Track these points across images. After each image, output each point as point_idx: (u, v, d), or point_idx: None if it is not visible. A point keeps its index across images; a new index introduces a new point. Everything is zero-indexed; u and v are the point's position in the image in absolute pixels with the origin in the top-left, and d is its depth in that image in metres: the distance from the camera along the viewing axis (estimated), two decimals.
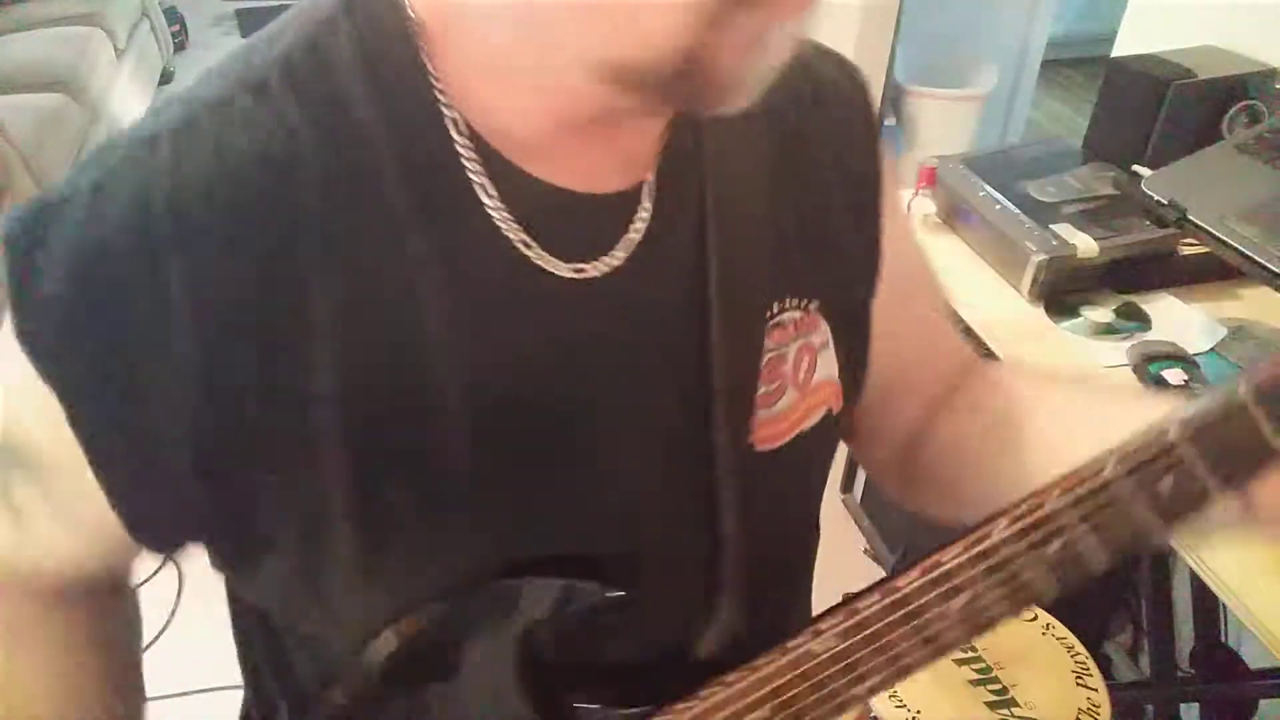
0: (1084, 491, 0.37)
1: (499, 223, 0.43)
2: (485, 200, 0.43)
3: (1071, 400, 0.57)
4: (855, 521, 2.24)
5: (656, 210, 0.47)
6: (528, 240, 0.44)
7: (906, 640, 0.41)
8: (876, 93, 2.86)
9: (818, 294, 0.52)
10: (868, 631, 0.41)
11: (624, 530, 0.48)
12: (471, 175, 0.43)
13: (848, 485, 2.27)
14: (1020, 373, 0.62)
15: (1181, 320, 1.29)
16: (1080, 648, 1.29)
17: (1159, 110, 1.38)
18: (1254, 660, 1.54)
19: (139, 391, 0.40)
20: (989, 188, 1.45)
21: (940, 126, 3.04)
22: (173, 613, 1.90)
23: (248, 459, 0.42)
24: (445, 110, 0.42)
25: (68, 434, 0.41)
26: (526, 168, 0.44)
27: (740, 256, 0.48)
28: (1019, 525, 0.38)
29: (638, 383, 0.47)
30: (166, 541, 0.48)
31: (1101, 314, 1.29)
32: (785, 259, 0.51)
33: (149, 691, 0.66)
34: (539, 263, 0.44)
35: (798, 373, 0.52)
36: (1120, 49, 1.67)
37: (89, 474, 0.43)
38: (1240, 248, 1.17)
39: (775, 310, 0.50)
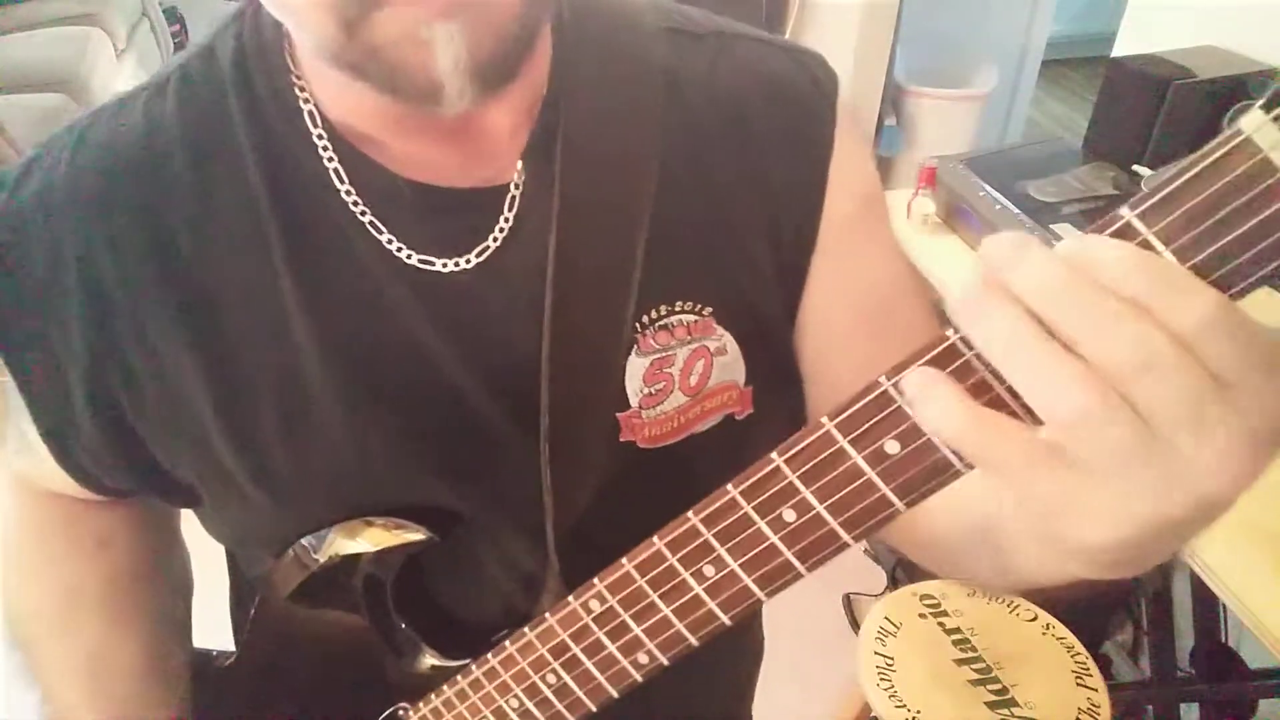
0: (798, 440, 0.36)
1: (351, 208, 0.48)
2: (338, 185, 0.48)
3: None
4: None
5: (519, 211, 0.49)
6: (379, 226, 0.48)
7: (660, 607, 0.42)
8: (876, 93, 2.86)
9: (715, 301, 0.53)
10: (626, 593, 0.43)
11: (463, 496, 0.53)
12: (325, 162, 0.47)
13: None
14: None
15: None
16: (1080, 648, 1.29)
17: (1159, 110, 1.38)
18: (1254, 660, 1.54)
19: (46, 337, 0.48)
20: (989, 188, 1.45)
21: (940, 126, 3.04)
22: None
23: (134, 406, 0.49)
24: (302, 102, 0.48)
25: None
26: (376, 158, 0.48)
27: (594, 263, 0.49)
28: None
29: (476, 378, 0.50)
30: (96, 482, 0.56)
31: None
32: (675, 264, 0.51)
33: None
34: (403, 257, 0.48)
35: (688, 376, 0.53)
36: (1120, 49, 1.67)
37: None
38: None
39: (662, 313, 0.52)
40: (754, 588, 0.39)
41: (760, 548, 0.38)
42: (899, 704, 1.25)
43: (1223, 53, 1.46)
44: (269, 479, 0.51)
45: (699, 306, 0.52)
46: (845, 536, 0.36)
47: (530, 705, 0.50)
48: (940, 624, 1.36)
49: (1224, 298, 0.27)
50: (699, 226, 0.52)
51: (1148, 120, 1.39)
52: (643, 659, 0.45)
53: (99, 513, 0.63)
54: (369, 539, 0.51)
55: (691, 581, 0.41)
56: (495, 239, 0.50)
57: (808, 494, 0.35)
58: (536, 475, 0.51)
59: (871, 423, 0.33)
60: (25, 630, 0.63)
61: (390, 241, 0.48)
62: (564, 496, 0.52)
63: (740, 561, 0.39)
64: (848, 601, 2.07)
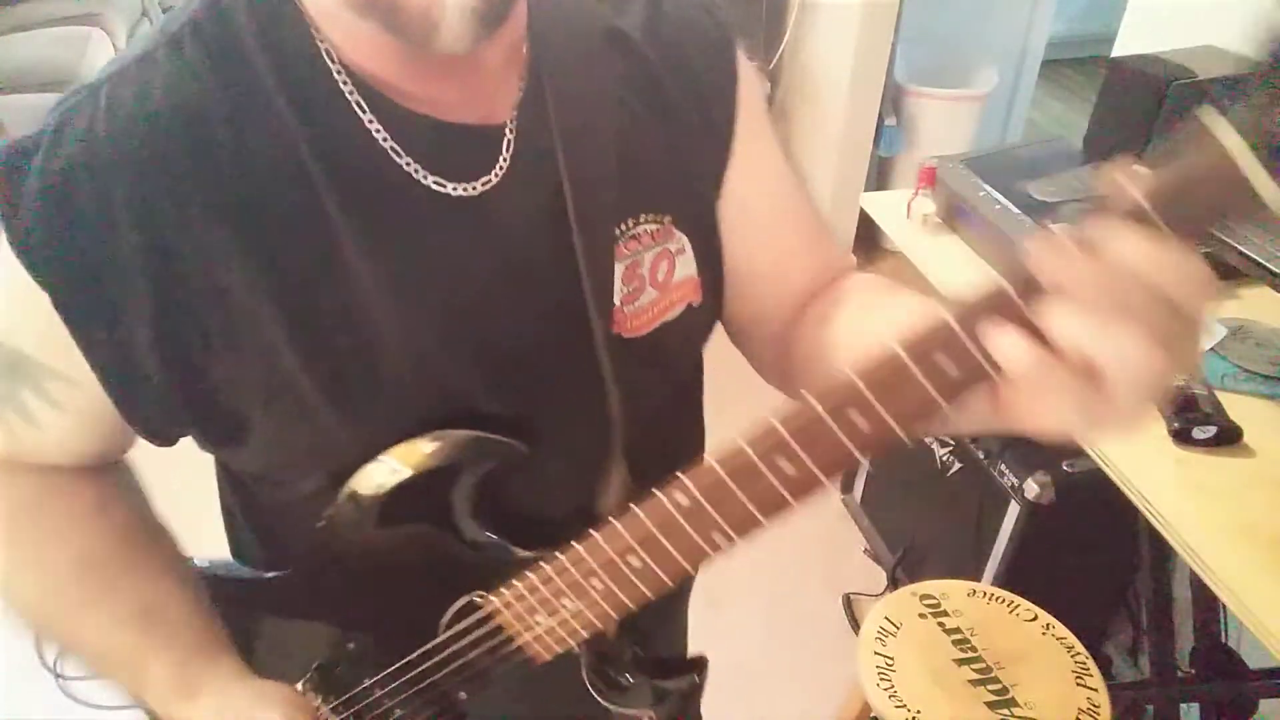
0: (873, 366, 0.42)
1: (382, 144, 0.53)
2: (362, 116, 0.52)
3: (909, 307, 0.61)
4: (855, 521, 2.24)
5: (518, 143, 0.57)
6: (399, 152, 0.53)
7: (743, 500, 0.48)
8: (876, 92, 2.86)
9: (672, 209, 0.62)
10: (715, 494, 0.49)
11: (525, 401, 0.59)
12: (349, 96, 0.52)
13: (848, 485, 2.27)
14: (884, 281, 0.67)
15: None
16: (1080, 648, 1.29)
17: (1159, 110, 1.38)
18: (1254, 660, 1.54)
19: (105, 288, 0.51)
20: (989, 188, 1.45)
21: (940, 126, 3.04)
22: None
23: (200, 341, 0.52)
24: (320, 45, 0.52)
25: (60, 333, 0.52)
26: (394, 98, 0.53)
27: (590, 179, 0.58)
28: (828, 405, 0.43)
29: (521, 283, 0.57)
30: (158, 429, 0.58)
31: None
32: (639, 180, 0.60)
33: None
34: (424, 181, 0.54)
35: (655, 274, 0.62)
36: (1120, 49, 1.67)
37: (83, 367, 0.53)
38: (1240, 248, 1.17)
39: (630, 225, 0.60)
40: (821, 476, 0.46)
41: (831, 443, 0.44)
42: (899, 704, 1.25)
43: (1223, 53, 1.46)
44: (341, 389, 0.55)
45: (660, 215, 0.61)
46: (901, 435, 0.43)
47: (611, 584, 0.55)
48: (940, 624, 1.36)
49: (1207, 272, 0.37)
50: (655, 147, 0.61)
51: (1148, 120, 1.39)
52: (718, 541, 0.51)
53: (91, 479, 0.64)
54: (436, 455, 0.56)
55: (772, 477, 0.46)
56: (501, 167, 0.56)
57: (878, 406, 0.42)
58: (594, 372, 0.58)
59: (936, 351, 0.41)
60: (43, 611, 0.64)
61: (409, 164, 0.54)
62: (624, 388, 0.59)
63: (813, 455, 0.45)
64: (848, 601, 2.07)
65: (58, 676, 1.88)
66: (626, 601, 0.56)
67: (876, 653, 1.30)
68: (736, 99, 0.64)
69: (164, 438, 0.59)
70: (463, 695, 0.66)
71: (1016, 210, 1.38)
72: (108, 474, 0.66)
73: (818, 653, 1.98)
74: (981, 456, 1.68)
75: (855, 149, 2.97)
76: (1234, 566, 0.93)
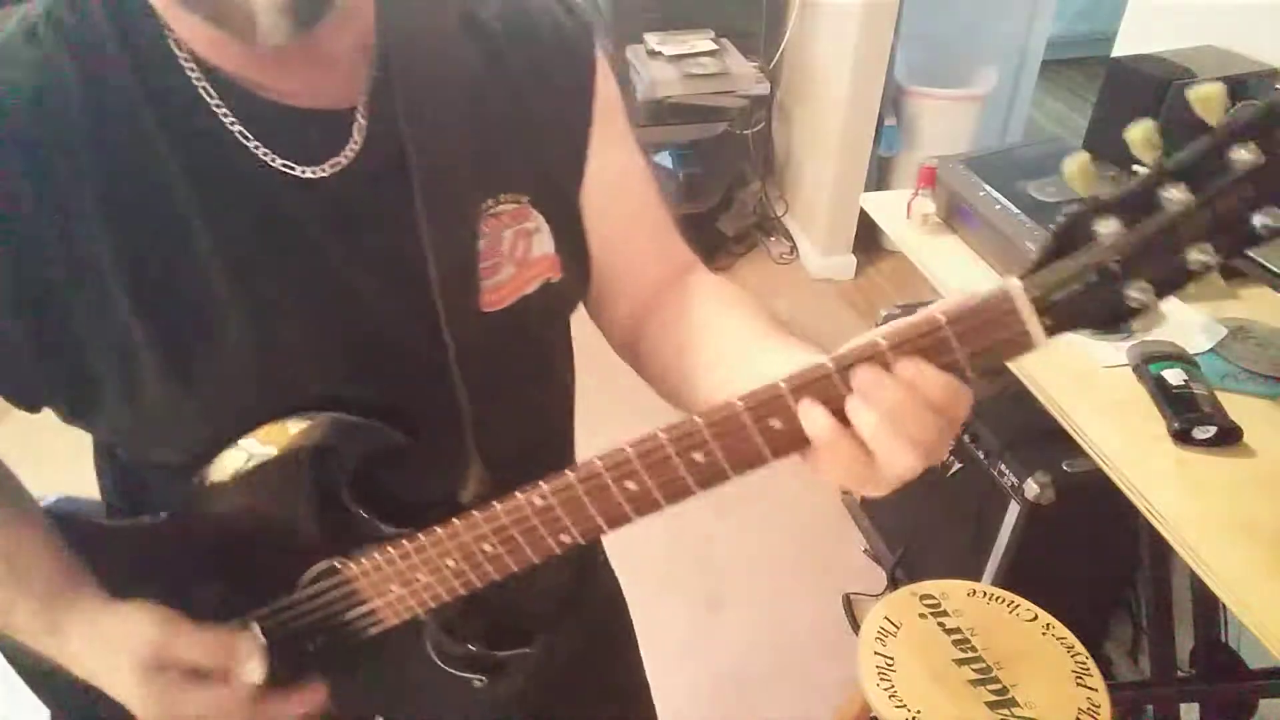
0: (717, 416, 0.50)
1: (230, 128, 0.56)
2: (210, 102, 0.55)
3: (742, 334, 0.67)
4: (855, 521, 2.24)
5: (370, 126, 0.59)
6: (248, 136, 0.56)
7: (592, 511, 0.55)
8: (876, 92, 2.86)
9: (529, 190, 0.66)
10: (568, 502, 0.55)
11: (380, 383, 0.61)
12: (195, 83, 0.55)
13: None
14: (723, 291, 0.72)
15: (1181, 320, 1.29)
16: (1080, 648, 1.29)
17: (1159, 110, 1.38)
18: (1254, 660, 1.54)
19: None
20: (989, 188, 1.45)
21: (940, 126, 3.04)
22: None
23: (56, 309, 0.55)
24: (168, 34, 0.55)
25: None
26: (244, 86, 0.56)
27: (442, 161, 0.61)
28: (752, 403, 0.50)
29: (372, 264, 0.60)
30: (18, 392, 0.60)
31: None
32: (496, 163, 0.64)
33: None
34: (274, 164, 0.57)
35: (514, 251, 0.65)
36: (1120, 49, 1.67)
37: None
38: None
39: (491, 204, 0.64)
40: (660, 499, 0.53)
41: (672, 475, 0.52)
42: (899, 704, 1.25)
43: (1223, 53, 1.46)
44: (183, 368, 0.57)
45: (519, 196, 0.65)
46: (730, 474, 0.52)
47: (465, 566, 0.62)
48: (940, 624, 1.36)
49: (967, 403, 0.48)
50: (510, 133, 0.64)
51: None
52: (565, 539, 0.58)
53: None
54: (301, 436, 0.60)
55: (616, 493, 0.54)
56: (352, 150, 0.59)
57: (716, 447, 0.51)
58: (436, 349, 0.61)
59: (770, 408, 0.49)
60: None
61: (258, 148, 0.56)
62: (468, 372, 0.62)
63: (656, 481, 0.52)
64: (848, 601, 2.07)
65: None
66: (476, 581, 0.62)
67: (876, 653, 1.29)
68: (594, 93, 0.68)
69: (27, 402, 0.61)
70: (309, 648, 0.70)
71: (1016, 210, 1.38)
72: None
73: (818, 653, 1.98)
74: (981, 456, 1.68)
75: (855, 149, 2.97)
76: (1234, 566, 0.93)
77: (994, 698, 1.23)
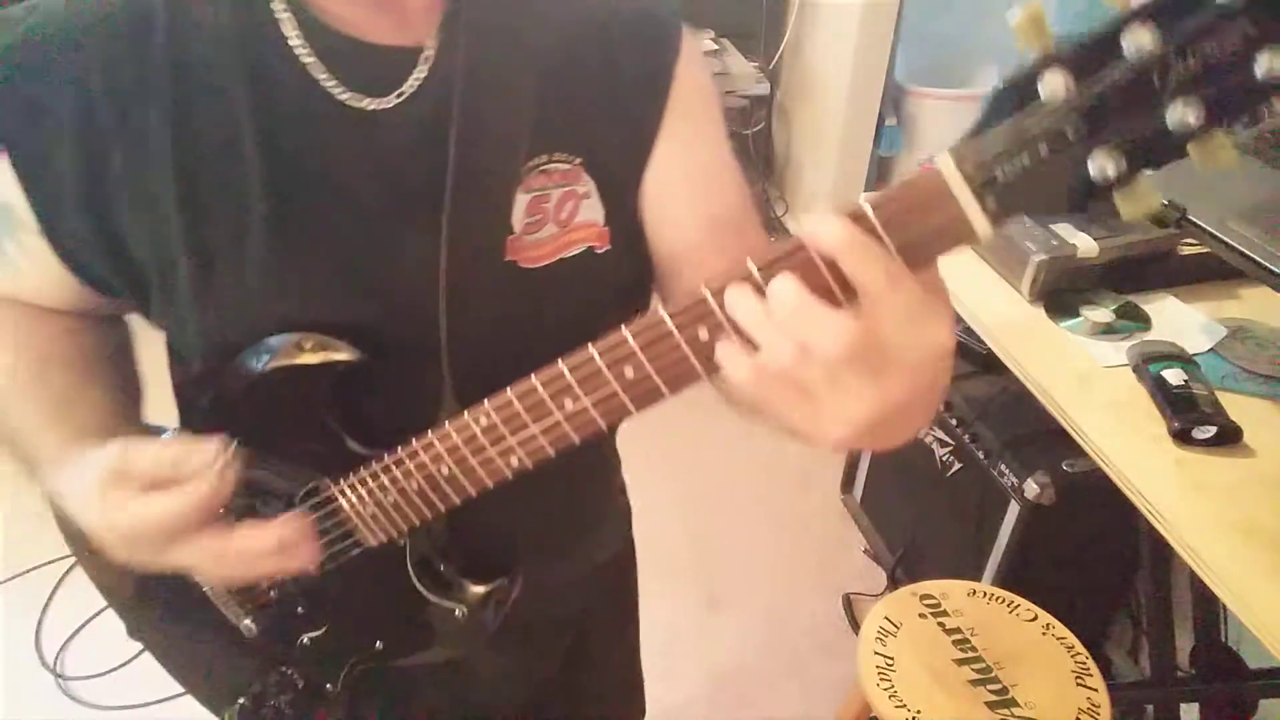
0: (642, 327, 0.49)
1: (298, 51, 0.60)
2: (291, 36, 0.60)
3: None
4: (855, 521, 2.24)
5: (432, 65, 0.62)
6: (319, 68, 0.60)
7: (534, 430, 0.56)
8: (876, 93, 2.86)
9: (583, 154, 0.66)
10: (511, 421, 0.56)
11: (372, 311, 0.64)
12: (280, 17, 0.60)
13: (848, 485, 2.27)
14: None
15: (1181, 320, 1.29)
16: (1080, 648, 1.29)
17: None
18: (1254, 660, 1.54)
19: (45, 145, 0.60)
20: None
21: (940, 126, 3.03)
22: None
23: (116, 203, 0.61)
24: None
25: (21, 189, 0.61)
26: (320, 16, 0.60)
27: (489, 113, 0.62)
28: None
29: (386, 202, 0.62)
30: (92, 276, 0.66)
31: (1101, 314, 1.29)
32: (555, 120, 0.65)
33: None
34: (338, 95, 0.61)
35: (560, 212, 0.66)
36: None
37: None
38: (1240, 248, 1.17)
39: (541, 160, 0.65)
40: (598, 419, 0.54)
41: (606, 391, 0.52)
42: (899, 704, 1.25)
43: None
44: (209, 272, 0.61)
45: (571, 157, 0.66)
46: (665, 391, 0.51)
47: (426, 488, 0.64)
48: (940, 624, 1.36)
49: (891, 280, 0.42)
50: (576, 96, 0.66)
51: None
52: (514, 462, 0.59)
53: (65, 314, 0.72)
54: (304, 356, 0.63)
55: (555, 410, 0.54)
56: (412, 86, 0.62)
57: (645, 360, 0.50)
58: (435, 292, 0.63)
59: (695, 315, 0.48)
60: None
61: (327, 79, 0.60)
62: (456, 312, 0.63)
63: (592, 399, 0.53)
64: (848, 601, 2.07)
65: (58, 676, 1.89)
66: (438, 503, 0.64)
67: (876, 653, 1.30)
68: (671, 79, 0.68)
69: (100, 286, 0.67)
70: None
71: None
72: (88, 317, 0.73)
73: (818, 653, 1.98)
74: (981, 456, 1.68)
75: (855, 149, 2.97)
76: (1234, 566, 0.93)
77: (994, 698, 1.23)
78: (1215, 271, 1.32)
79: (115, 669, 1.86)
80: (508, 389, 0.56)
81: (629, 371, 0.50)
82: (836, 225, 0.42)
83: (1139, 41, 0.34)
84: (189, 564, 0.62)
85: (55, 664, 1.91)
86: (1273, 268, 1.14)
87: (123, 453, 0.59)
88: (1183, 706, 1.59)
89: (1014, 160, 0.37)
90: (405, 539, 0.69)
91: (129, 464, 0.59)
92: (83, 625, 1.96)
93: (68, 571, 2.06)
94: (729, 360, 0.46)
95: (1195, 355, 1.19)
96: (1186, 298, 1.34)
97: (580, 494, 0.88)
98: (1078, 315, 1.30)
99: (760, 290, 0.44)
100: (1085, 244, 1.28)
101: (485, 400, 0.57)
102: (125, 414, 0.71)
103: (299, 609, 0.75)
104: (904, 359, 0.43)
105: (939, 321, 0.43)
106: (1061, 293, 1.33)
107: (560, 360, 0.53)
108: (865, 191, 2.95)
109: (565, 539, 0.87)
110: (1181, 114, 0.33)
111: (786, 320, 0.43)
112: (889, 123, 3.01)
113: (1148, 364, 1.17)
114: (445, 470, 0.62)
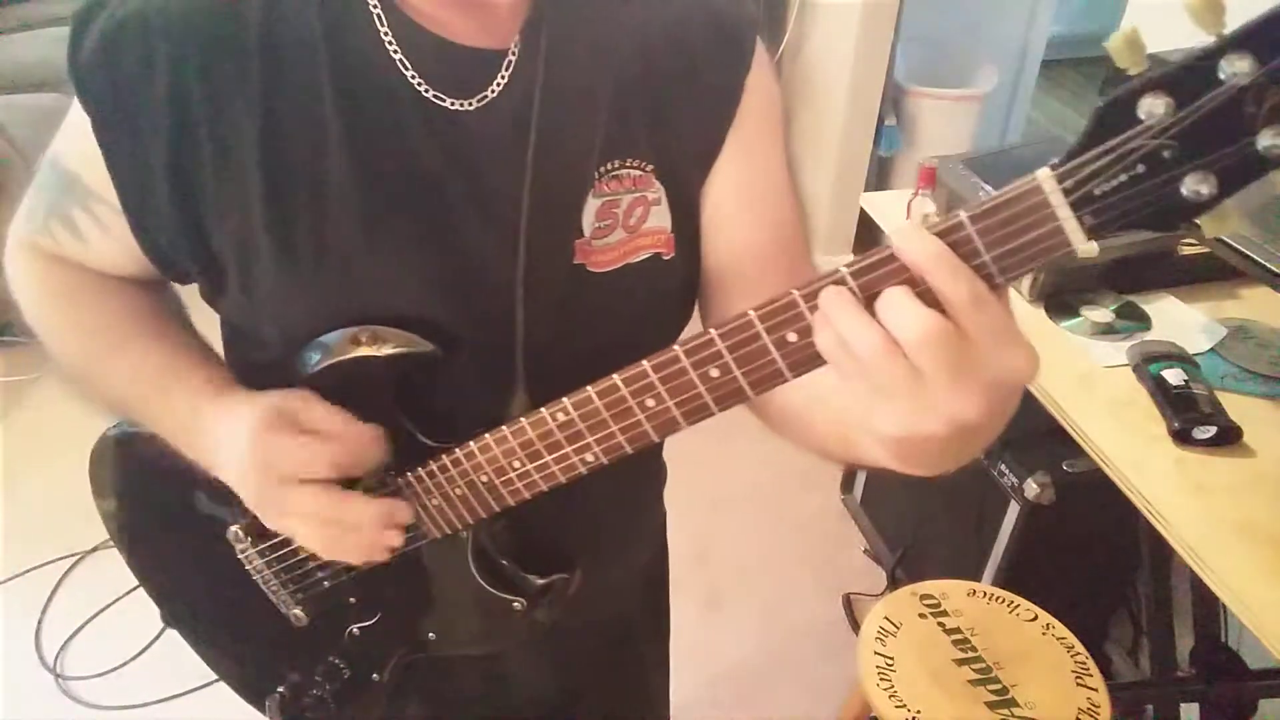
0: (730, 328, 0.50)
1: (387, 47, 0.61)
2: (379, 28, 0.60)
3: None
4: (855, 521, 2.24)
5: (515, 68, 0.63)
6: (407, 64, 0.61)
7: (615, 424, 0.57)
8: (876, 92, 2.86)
9: (654, 161, 0.67)
10: (587, 412, 0.57)
11: (449, 306, 0.64)
12: (374, 14, 0.60)
13: (848, 485, 2.27)
14: None
15: (1181, 320, 1.29)
16: (1080, 648, 1.29)
17: None
18: (1254, 660, 1.54)
19: (134, 122, 0.60)
20: (989, 188, 1.45)
21: (940, 126, 3.03)
22: None
23: (200, 185, 0.61)
24: None
25: (101, 159, 0.61)
26: (412, 15, 0.61)
27: (566, 117, 0.63)
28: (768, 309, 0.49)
29: (478, 200, 0.63)
30: (165, 257, 0.66)
31: (1101, 314, 1.29)
32: (628, 129, 0.66)
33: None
34: (425, 94, 0.61)
35: (629, 218, 0.67)
36: None
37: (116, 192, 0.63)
38: (1240, 248, 1.17)
39: (614, 165, 0.66)
40: (680, 418, 0.54)
41: (691, 392, 0.53)
42: (899, 704, 1.25)
43: None
44: (290, 259, 0.62)
45: (643, 164, 0.67)
46: (749, 392, 0.51)
47: (496, 481, 0.64)
48: (940, 624, 1.36)
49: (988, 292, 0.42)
50: (649, 103, 0.66)
51: None
52: (589, 459, 0.59)
53: (128, 282, 0.73)
54: (380, 346, 0.63)
55: (636, 409, 0.55)
56: (494, 89, 0.63)
57: (730, 359, 0.50)
58: (511, 290, 0.63)
59: (783, 318, 0.48)
60: (75, 361, 0.72)
61: (414, 78, 0.61)
62: (531, 311, 0.64)
63: (674, 399, 0.53)
64: (848, 601, 2.07)
65: (58, 677, 1.88)
66: (508, 499, 0.65)
67: (876, 653, 1.30)
68: (741, 91, 0.68)
69: (173, 269, 0.68)
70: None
71: None
72: (146, 284, 0.74)
73: (818, 653, 1.98)
74: (981, 456, 1.68)
75: (855, 149, 2.97)
76: (1234, 566, 0.93)
77: (994, 698, 1.23)
78: (1215, 271, 1.32)
79: (115, 669, 1.85)
80: (588, 387, 0.56)
81: (714, 372, 0.51)
82: (928, 240, 0.43)
83: (1236, 69, 0.36)
84: (301, 515, 0.63)
85: (55, 664, 1.90)
86: (1273, 268, 1.14)
87: (294, 399, 0.63)
88: (1183, 706, 1.59)
89: (1111, 178, 0.38)
90: (468, 532, 0.69)
91: (299, 411, 0.63)
92: (83, 625, 1.96)
93: (68, 571, 2.06)
94: (828, 349, 0.46)
95: (1195, 355, 1.19)
96: (1186, 298, 1.34)
97: (635, 497, 0.88)
98: (1078, 315, 1.30)
99: (854, 293, 0.45)
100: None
101: (563, 398, 0.58)
102: (217, 360, 0.73)
103: (351, 599, 0.76)
104: (985, 375, 0.43)
105: (1022, 348, 0.43)
106: (1062, 293, 1.33)
107: (645, 361, 0.53)
108: (865, 191, 2.96)
109: (616, 541, 0.87)
110: (1273, 140, 0.35)
111: (884, 313, 0.44)
112: (889, 123, 3.01)
113: (1148, 364, 1.17)
114: (517, 464, 0.62)
